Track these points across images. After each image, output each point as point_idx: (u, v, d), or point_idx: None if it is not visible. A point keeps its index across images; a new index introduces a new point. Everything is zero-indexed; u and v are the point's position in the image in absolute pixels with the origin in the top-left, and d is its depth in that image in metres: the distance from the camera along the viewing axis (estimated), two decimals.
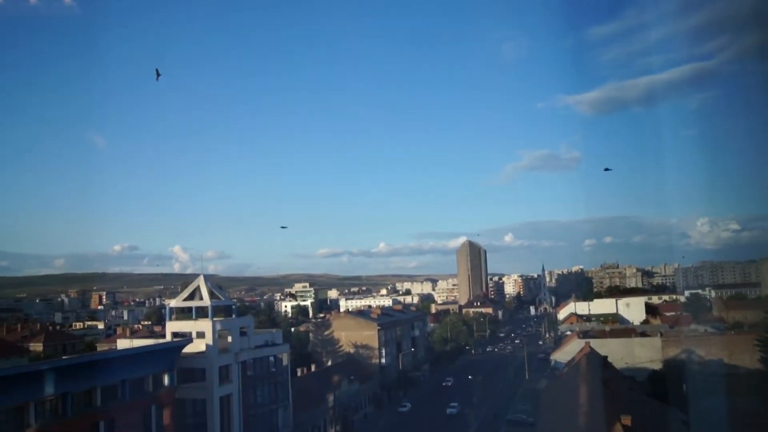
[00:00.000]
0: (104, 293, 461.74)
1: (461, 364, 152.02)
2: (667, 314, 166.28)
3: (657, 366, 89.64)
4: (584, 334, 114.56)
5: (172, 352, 64.75)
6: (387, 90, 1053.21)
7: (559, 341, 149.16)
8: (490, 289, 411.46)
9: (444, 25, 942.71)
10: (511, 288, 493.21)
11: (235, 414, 70.32)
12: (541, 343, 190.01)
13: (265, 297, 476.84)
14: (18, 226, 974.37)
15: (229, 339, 71.82)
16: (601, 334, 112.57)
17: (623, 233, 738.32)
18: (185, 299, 75.00)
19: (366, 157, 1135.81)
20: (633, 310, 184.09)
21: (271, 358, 77.69)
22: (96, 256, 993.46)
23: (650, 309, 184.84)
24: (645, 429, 41.40)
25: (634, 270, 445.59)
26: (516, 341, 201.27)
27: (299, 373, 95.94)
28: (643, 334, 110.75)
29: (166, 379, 63.78)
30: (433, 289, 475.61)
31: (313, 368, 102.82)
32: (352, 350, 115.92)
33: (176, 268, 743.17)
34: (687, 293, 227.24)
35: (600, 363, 68.00)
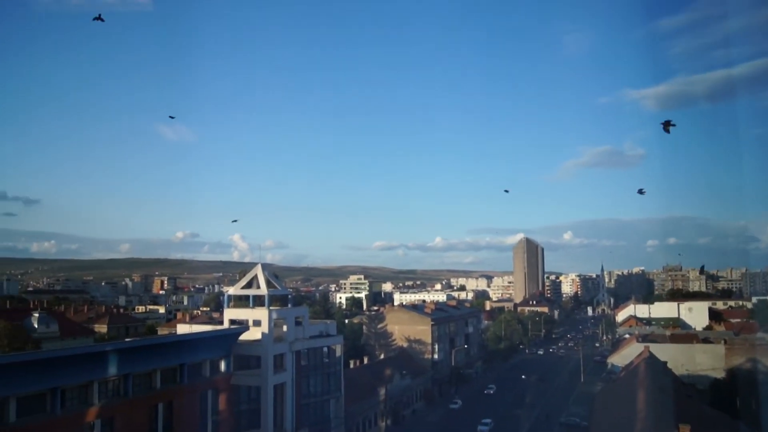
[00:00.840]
0: (166, 278, 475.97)
1: (514, 363, 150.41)
2: (732, 321, 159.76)
3: (719, 374, 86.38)
4: (643, 338, 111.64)
5: (229, 339, 66.10)
6: (447, 85, 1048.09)
7: (616, 344, 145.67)
8: (547, 287, 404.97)
9: (504, 18, 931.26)
10: (568, 287, 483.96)
11: (288, 402, 71.35)
12: (597, 345, 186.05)
13: (320, 288, 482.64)
14: (88, 211, 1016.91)
15: (285, 328, 72.84)
16: (661, 339, 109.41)
17: (688, 234, 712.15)
18: (243, 287, 76.35)
19: (424, 151, 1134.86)
20: (696, 315, 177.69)
21: (325, 349, 78.38)
22: (159, 242, 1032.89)
23: (714, 314, 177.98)
24: None
25: (698, 273, 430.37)
26: (571, 342, 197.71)
27: (352, 365, 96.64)
28: (706, 341, 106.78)
29: (222, 365, 65.21)
30: (488, 286, 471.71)
31: (365, 361, 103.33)
32: (404, 344, 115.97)
33: (235, 257, 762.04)
34: (754, 299, 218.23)
35: (659, 368, 66.15)
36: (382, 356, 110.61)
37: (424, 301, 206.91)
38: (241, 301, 77.75)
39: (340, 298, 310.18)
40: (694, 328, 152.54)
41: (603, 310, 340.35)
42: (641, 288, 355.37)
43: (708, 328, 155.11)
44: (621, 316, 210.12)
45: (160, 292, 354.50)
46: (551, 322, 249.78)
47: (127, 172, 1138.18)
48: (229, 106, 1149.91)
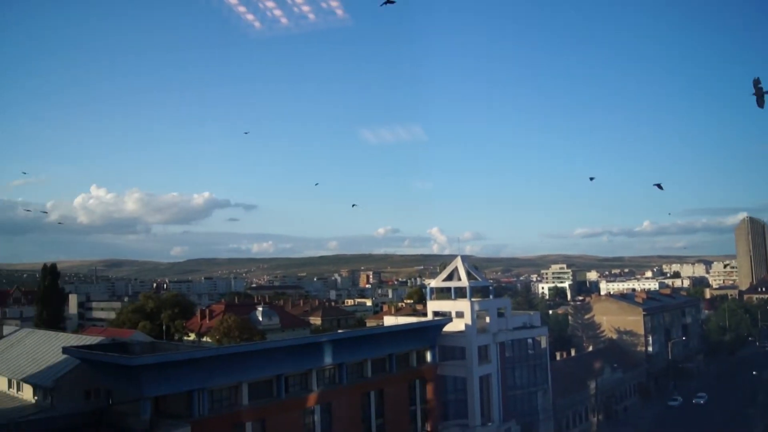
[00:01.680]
0: (371, 273, 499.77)
1: (742, 358, 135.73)
2: None
3: None
4: None
5: (433, 330, 67.48)
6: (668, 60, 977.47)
7: None
8: None
9: None
10: None
11: (495, 394, 71.10)
12: None
13: (520, 278, 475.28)
14: (299, 212, 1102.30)
15: (487, 319, 72.68)
16: None
17: None
18: (444, 279, 77.44)
19: (627, 130, 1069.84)
20: None
21: (529, 340, 76.92)
22: (363, 238, 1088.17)
23: None
24: None
25: None
26: None
27: (558, 357, 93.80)
28: None
29: (428, 356, 66.83)
30: (707, 272, 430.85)
31: (572, 353, 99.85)
32: (614, 336, 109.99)
33: (434, 249, 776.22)
34: None
35: None
36: (590, 348, 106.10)
37: (633, 289, 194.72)
38: (443, 293, 78.95)
39: (543, 288, 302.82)
40: None
41: None
42: None
43: None
44: None
45: (366, 285, 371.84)
46: None
47: (332, 174, 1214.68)
48: (438, 106, 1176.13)
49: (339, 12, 46.56)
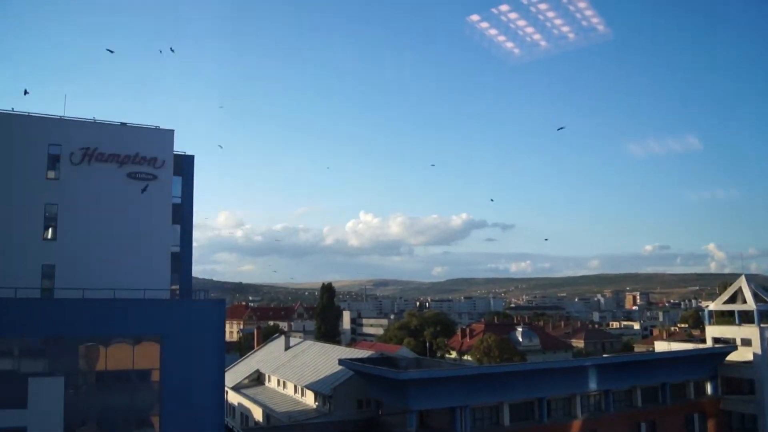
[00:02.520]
0: (637, 293, 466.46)
1: None
2: None
3: None
4: None
5: (713, 359, 60.94)
6: None
7: None
8: None
9: None
10: None
11: None
12: None
13: None
14: (556, 232, 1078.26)
15: None
16: None
17: None
18: (725, 302, 69.44)
19: None
20: None
21: None
22: (628, 256, 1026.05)
23: None
24: None
25: None
26: None
27: None
28: None
29: (708, 387, 60.47)
30: None
31: None
32: None
33: (712, 268, 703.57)
34: None
35: None
36: None
37: None
38: (724, 317, 70.75)
39: None
40: None
41: None
42: None
43: None
44: None
45: (633, 307, 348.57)
46: None
47: (592, 191, 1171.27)
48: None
49: (600, 28, 45.26)
